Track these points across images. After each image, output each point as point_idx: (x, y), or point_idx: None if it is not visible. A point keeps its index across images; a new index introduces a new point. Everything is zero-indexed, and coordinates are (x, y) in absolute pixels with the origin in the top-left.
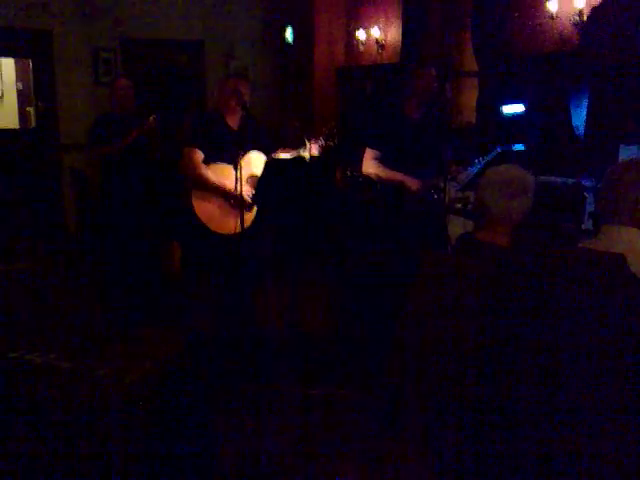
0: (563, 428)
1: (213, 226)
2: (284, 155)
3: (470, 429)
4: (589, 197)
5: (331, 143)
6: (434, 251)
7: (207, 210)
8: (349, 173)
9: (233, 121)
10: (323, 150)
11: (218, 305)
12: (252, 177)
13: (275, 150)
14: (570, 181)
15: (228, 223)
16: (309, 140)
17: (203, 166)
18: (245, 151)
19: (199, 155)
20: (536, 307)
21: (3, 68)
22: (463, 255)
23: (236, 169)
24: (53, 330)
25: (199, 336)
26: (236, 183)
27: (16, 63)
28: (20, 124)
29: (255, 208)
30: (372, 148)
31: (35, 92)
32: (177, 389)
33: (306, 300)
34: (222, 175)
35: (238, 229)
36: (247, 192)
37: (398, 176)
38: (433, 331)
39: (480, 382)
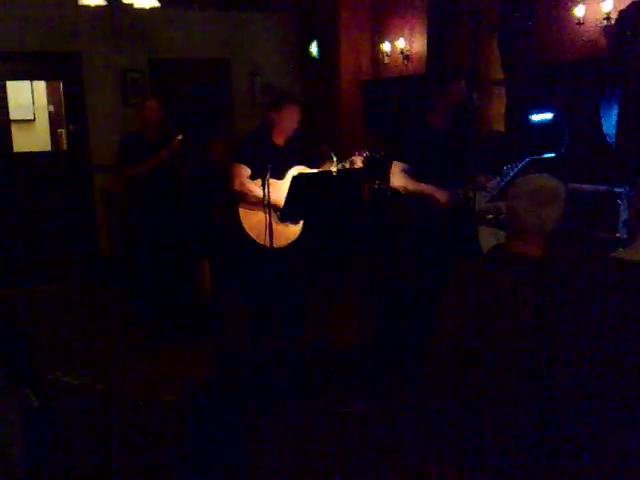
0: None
1: (260, 239)
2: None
3: (510, 444)
4: (622, 204)
5: (377, 155)
6: (466, 262)
7: (254, 224)
8: (376, 186)
9: (280, 139)
10: (366, 162)
11: (250, 323)
12: None
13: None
14: (602, 188)
15: (273, 236)
16: (336, 155)
17: (249, 181)
18: (290, 166)
19: (245, 171)
20: (572, 319)
21: (35, 91)
22: (495, 266)
23: (264, 184)
24: (87, 351)
25: (232, 355)
26: (264, 197)
27: (47, 86)
28: (52, 146)
29: (301, 222)
30: (400, 161)
31: (66, 114)
32: (210, 407)
33: (339, 316)
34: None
35: (282, 242)
36: None
37: (426, 188)
38: (466, 343)
39: (517, 396)
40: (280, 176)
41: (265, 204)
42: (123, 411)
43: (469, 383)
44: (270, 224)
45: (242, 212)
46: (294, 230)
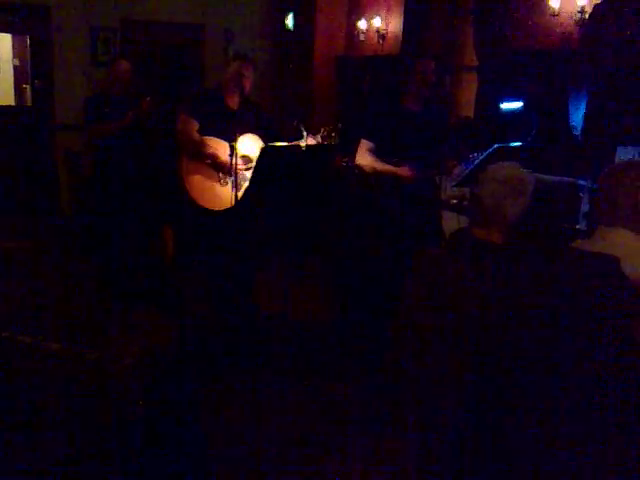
0: (557, 424)
1: (202, 201)
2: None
3: (468, 427)
4: (584, 197)
5: (330, 142)
6: (428, 247)
7: (197, 183)
8: (344, 163)
9: (233, 102)
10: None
11: (213, 289)
12: (244, 157)
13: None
14: (566, 180)
15: (216, 199)
16: (307, 132)
17: (197, 134)
18: (241, 132)
19: (194, 124)
20: (529, 305)
21: (0, 43)
22: (457, 251)
23: (232, 148)
24: (45, 312)
25: (194, 322)
26: (231, 160)
27: (14, 39)
28: (16, 101)
29: (244, 185)
30: (367, 139)
31: (32, 69)
32: (171, 376)
33: (302, 288)
34: (215, 149)
35: (226, 205)
36: (240, 166)
37: (390, 167)
38: (428, 327)
39: (476, 383)
40: (231, 140)
41: (218, 169)
42: (78, 373)
43: (430, 368)
44: (213, 184)
45: (185, 166)
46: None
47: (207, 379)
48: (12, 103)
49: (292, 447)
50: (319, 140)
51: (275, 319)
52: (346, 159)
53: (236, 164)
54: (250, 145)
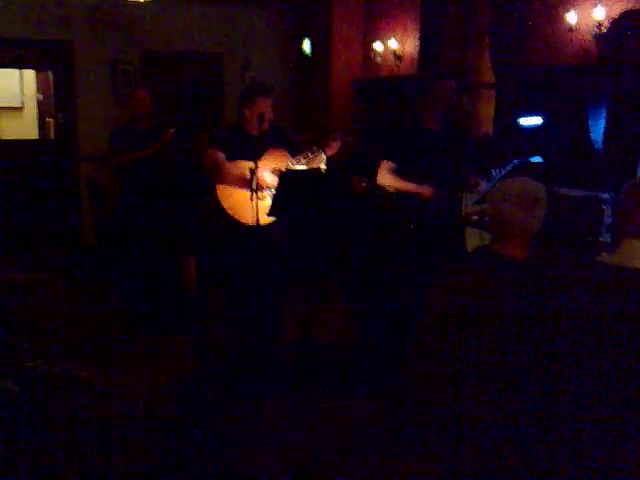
0: (567, 438)
1: (236, 214)
2: (299, 166)
3: (483, 439)
4: (607, 210)
5: (349, 139)
6: (451, 263)
7: (230, 201)
8: (365, 185)
9: (255, 130)
10: (340, 150)
11: (232, 316)
12: (276, 170)
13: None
14: (587, 193)
15: (250, 215)
16: (324, 151)
17: (225, 161)
18: (266, 150)
19: (220, 154)
20: (553, 320)
21: (24, 79)
22: (479, 268)
23: (252, 172)
24: (69, 340)
25: (212, 347)
26: (250, 181)
27: (37, 74)
28: (40, 135)
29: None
30: (388, 160)
31: (55, 103)
32: (190, 401)
33: (322, 311)
34: (243, 169)
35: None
36: (273, 181)
37: (411, 186)
38: (450, 343)
39: (496, 396)
40: (258, 156)
41: (249, 185)
42: (103, 400)
43: (455, 386)
44: (246, 201)
45: (219, 192)
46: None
47: (223, 404)
48: (36, 137)
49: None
50: (340, 137)
51: (296, 342)
52: (365, 180)
53: (257, 186)
54: (279, 156)
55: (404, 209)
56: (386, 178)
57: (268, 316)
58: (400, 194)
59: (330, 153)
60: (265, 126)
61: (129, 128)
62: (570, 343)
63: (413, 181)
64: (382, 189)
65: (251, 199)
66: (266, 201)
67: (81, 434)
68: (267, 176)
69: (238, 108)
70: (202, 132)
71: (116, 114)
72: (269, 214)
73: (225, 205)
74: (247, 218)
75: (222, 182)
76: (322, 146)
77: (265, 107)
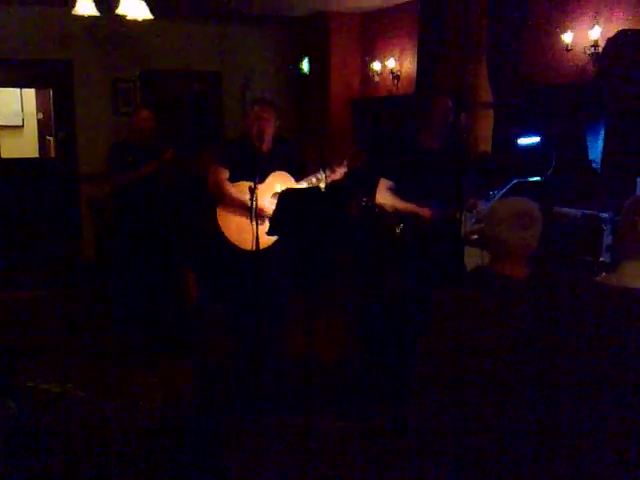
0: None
1: (236, 241)
2: (300, 185)
3: (486, 464)
4: (607, 229)
5: (357, 164)
6: (449, 285)
7: (231, 226)
8: (364, 203)
9: (260, 145)
10: (347, 173)
11: (232, 334)
12: (276, 195)
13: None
14: (587, 213)
15: (249, 240)
16: (325, 170)
17: (227, 183)
18: (269, 172)
19: (223, 172)
20: (553, 342)
21: (24, 98)
22: (478, 288)
23: (252, 191)
24: (69, 359)
25: (212, 367)
26: (250, 203)
27: (37, 93)
28: (40, 153)
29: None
30: (386, 178)
31: (55, 122)
32: (188, 423)
33: (321, 331)
34: (245, 193)
35: (264, 244)
36: (271, 206)
37: (410, 206)
38: (450, 367)
39: (499, 418)
40: (260, 180)
41: (250, 211)
42: (103, 421)
43: (456, 409)
44: (245, 226)
45: (220, 215)
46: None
47: (222, 424)
48: (36, 155)
49: None
50: (346, 163)
51: (297, 360)
52: (365, 199)
53: (256, 207)
54: (282, 183)
55: (402, 227)
56: (385, 197)
57: (268, 334)
58: (399, 214)
59: (336, 178)
60: (266, 144)
61: (127, 145)
62: (571, 364)
63: (411, 200)
64: (381, 207)
65: (250, 221)
66: (266, 225)
67: (78, 454)
68: (267, 203)
69: (242, 121)
70: (202, 149)
71: (116, 132)
72: (269, 233)
73: (225, 231)
74: (246, 245)
75: (223, 204)
76: (328, 171)
77: (262, 115)
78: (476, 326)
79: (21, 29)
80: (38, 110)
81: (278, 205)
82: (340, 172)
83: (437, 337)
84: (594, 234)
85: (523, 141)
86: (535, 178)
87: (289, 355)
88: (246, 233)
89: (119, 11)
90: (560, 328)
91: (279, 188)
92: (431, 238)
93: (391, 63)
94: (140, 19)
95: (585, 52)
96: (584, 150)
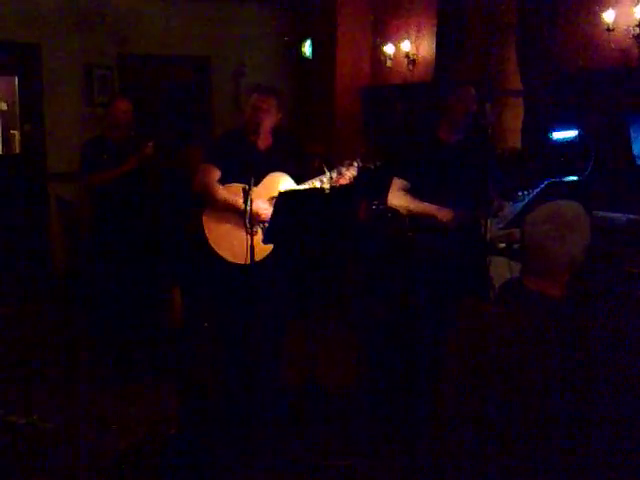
0: None
1: (224, 253)
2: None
3: None
4: None
5: (370, 166)
6: (474, 299)
7: (218, 235)
8: (374, 206)
9: (258, 140)
10: (360, 174)
11: (222, 355)
12: (272, 199)
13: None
14: (631, 217)
15: (240, 251)
16: (332, 173)
17: (218, 184)
18: (267, 173)
19: (215, 173)
20: (590, 370)
21: None
22: (507, 305)
23: (246, 194)
24: (37, 386)
25: (197, 393)
26: (245, 207)
27: (0, 81)
28: (3, 149)
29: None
30: (400, 177)
31: (21, 113)
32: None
33: (325, 353)
34: (238, 196)
35: (256, 257)
36: (266, 211)
37: (428, 208)
38: (474, 390)
39: (528, 438)
40: (256, 181)
41: (243, 217)
42: (74, 455)
43: (485, 442)
44: (237, 236)
45: (206, 222)
46: (265, 247)
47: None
48: None
49: None
50: (359, 164)
51: (299, 389)
52: (376, 202)
53: (250, 212)
54: (281, 183)
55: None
56: (398, 198)
57: (263, 359)
58: (414, 217)
59: (343, 182)
60: (263, 140)
61: (103, 140)
62: (608, 405)
63: (429, 202)
64: (394, 211)
65: (243, 228)
66: (259, 236)
67: None
68: (262, 208)
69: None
70: (187, 145)
71: (90, 125)
72: (265, 241)
73: (211, 240)
74: (237, 256)
75: (211, 208)
76: (335, 174)
77: (261, 106)
78: (508, 348)
79: None
80: (1, 100)
81: (276, 209)
82: (349, 175)
83: (459, 356)
84: None
85: (558, 135)
86: (572, 177)
87: (287, 381)
88: (238, 242)
89: None
90: (596, 361)
91: (276, 192)
92: (452, 245)
93: (406, 46)
94: None
95: (629, 32)
96: (628, 145)
